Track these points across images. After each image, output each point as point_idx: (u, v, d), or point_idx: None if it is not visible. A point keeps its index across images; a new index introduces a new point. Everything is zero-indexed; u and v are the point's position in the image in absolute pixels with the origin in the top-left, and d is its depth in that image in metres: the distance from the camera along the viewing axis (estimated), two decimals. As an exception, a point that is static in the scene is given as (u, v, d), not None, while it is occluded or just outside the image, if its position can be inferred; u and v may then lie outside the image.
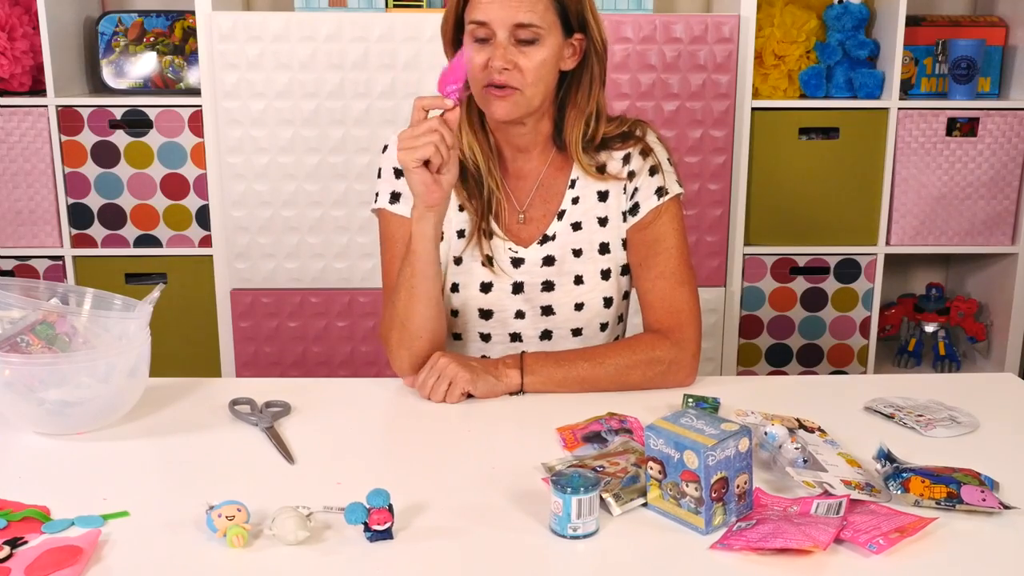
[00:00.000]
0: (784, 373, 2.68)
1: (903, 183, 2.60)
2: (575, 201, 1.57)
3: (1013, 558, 1.05)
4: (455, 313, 1.57)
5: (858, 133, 2.56)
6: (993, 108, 2.57)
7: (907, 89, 2.71)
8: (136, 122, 2.49)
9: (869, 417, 1.40)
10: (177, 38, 2.61)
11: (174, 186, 2.53)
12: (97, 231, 2.55)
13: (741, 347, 2.67)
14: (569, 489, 1.06)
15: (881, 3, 2.62)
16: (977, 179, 2.61)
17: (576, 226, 1.56)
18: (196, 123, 2.49)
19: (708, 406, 1.40)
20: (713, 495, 1.07)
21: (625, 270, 1.59)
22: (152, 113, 2.48)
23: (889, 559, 1.03)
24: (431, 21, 2.37)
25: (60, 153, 2.49)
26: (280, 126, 2.43)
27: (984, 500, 1.12)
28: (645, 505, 1.14)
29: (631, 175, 1.56)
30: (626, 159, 1.56)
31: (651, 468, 1.12)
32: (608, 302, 1.57)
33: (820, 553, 1.02)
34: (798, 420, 1.34)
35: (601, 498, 1.10)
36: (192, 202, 2.54)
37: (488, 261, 1.54)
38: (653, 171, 1.56)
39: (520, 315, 1.56)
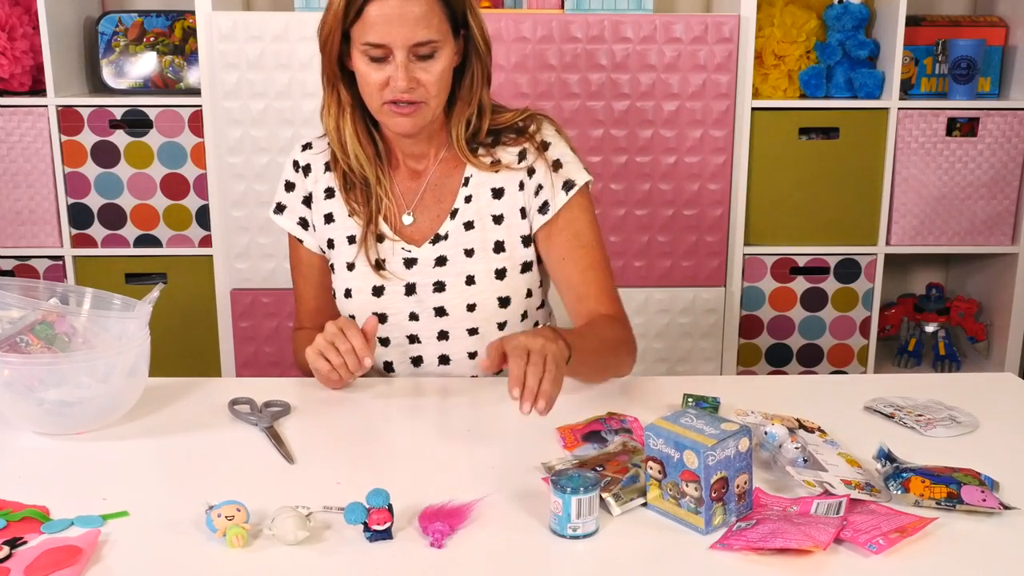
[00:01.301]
0: (784, 373, 2.68)
1: (903, 183, 2.60)
2: (468, 200, 1.54)
3: (1013, 558, 1.05)
4: (352, 318, 1.56)
5: (858, 133, 2.55)
6: (993, 108, 2.57)
7: (907, 89, 2.71)
8: (136, 122, 2.49)
9: (869, 417, 1.40)
10: (177, 38, 2.61)
11: (174, 186, 2.53)
12: (97, 231, 2.55)
13: (741, 347, 2.67)
14: (569, 489, 1.06)
15: (881, 3, 2.62)
16: (977, 179, 2.61)
17: (469, 225, 1.53)
18: (196, 123, 2.49)
19: (708, 406, 1.40)
20: (713, 495, 1.07)
21: (527, 267, 1.55)
22: (152, 113, 2.48)
23: (889, 559, 1.03)
24: (431, 21, 2.37)
25: (60, 153, 2.49)
26: (280, 126, 2.43)
27: (984, 500, 1.12)
28: (645, 505, 1.14)
29: (531, 172, 1.53)
30: (522, 155, 1.53)
31: (651, 468, 1.12)
32: (504, 302, 1.53)
33: (820, 553, 1.02)
34: (798, 420, 1.34)
35: (601, 498, 1.10)
36: (192, 202, 2.54)
37: (378, 265, 1.53)
38: (556, 166, 1.53)
39: (414, 317, 1.55)
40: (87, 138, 2.49)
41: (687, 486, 1.08)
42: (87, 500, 1.15)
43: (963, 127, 2.58)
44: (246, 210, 2.47)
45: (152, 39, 2.61)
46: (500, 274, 1.53)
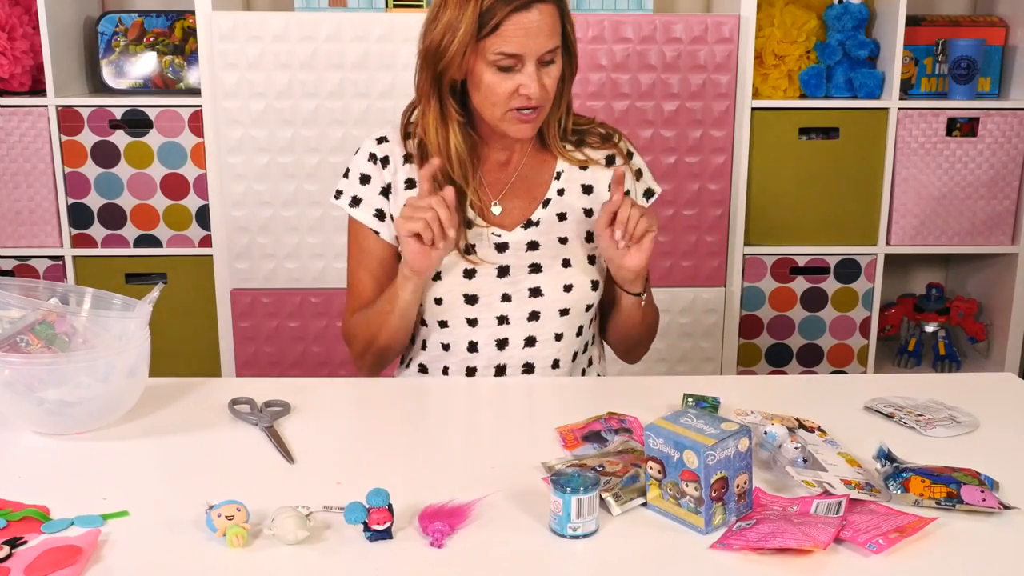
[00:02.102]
0: (784, 373, 2.68)
1: (903, 183, 2.60)
2: (561, 192, 1.62)
3: (1013, 558, 1.05)
4: (439, 301, 1.58)
5: (858, 133, 2.56)
6: (993, 108, 2.57)
7: (907, 89, 2.71)
8: (136, 122, 2.49)
9: (869, 417, 1.40)
10: (177, 38, 2.61)
11: (174, 186, 2.53)
12: (97, 231, 2.55)
13: (741, 347, 2.67)
14: (569, 489, 1.06)
15: (881, 3, 2.62)
16: (977, 179, 2.61)
17: (562, 216, 1.61)
18: (196, 123, 2.49)
19: (708, 406, 1.40)
20: (713, 495, 1.07)
21: None
22: (152, 113, 2.49)
23: (889, 559, 1.03)
24: (431, 21, 2.37)
25: (60, 153, 2.49)
26: (280, 126, 2.43)
27: (984, 500, 1.12)
28: (645, 505, 1.14)
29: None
30: (610, 160, 1.65)
31: (651, 468, 1.12)
32: (595, 285, 1.61)
33: (820, 553, 1.02)
34: (798, 420, 1.34)
35: (601, 498, 1.10)
36: (192, 202, 2.54)
37: (468, 250, 1.57)
38: (639, 175, 1.67)
39: (507, 298, 1.58)
40: (87, 138, 2.49)
41: (687, 486, 1.08)
42: (87, 500, 1.15)
43: (963, 127, 2.58)
44: (246, 210, 2.47)
45: (152, 39, 2.61)
46: (591, 260, 1.62)
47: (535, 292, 1.58)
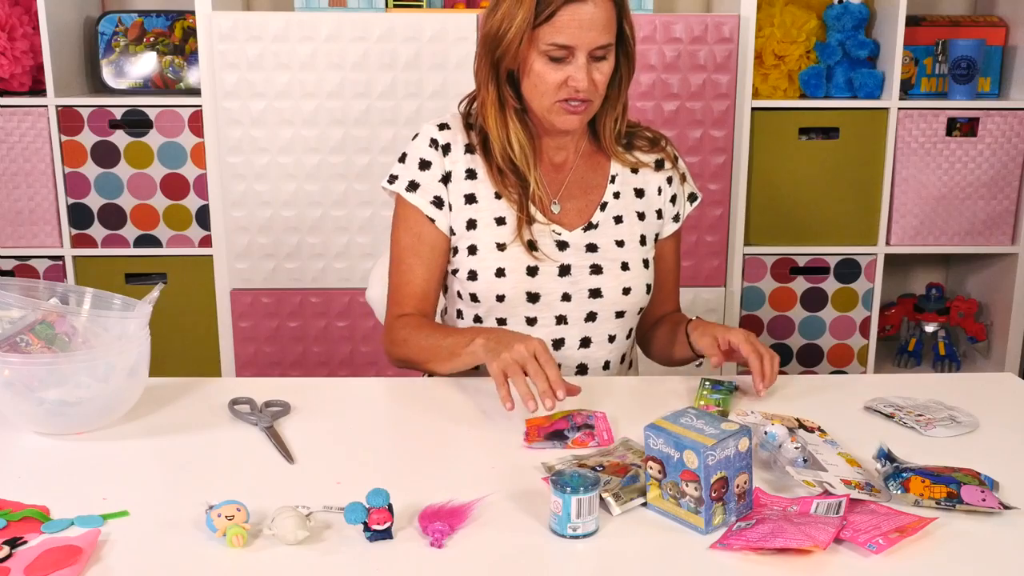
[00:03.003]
0: (784, 373, 2.67)
1: (903, 183, 2.60)
2: (616, 196, 1.63)
3: (1013, 558, 1.05)
4: (501, 298, 1.57)
5: (858, 133, 2.56)
6: (993, 108, 2.57)
7: (907, 89, 2.71)
8: (136, 122, 2.49)
9: (869, 417, 1.40)
10: (177, 38, 2.61)
11: (174, 186, 2.53)
12: (97, 231, 2.55)
13: (741, 347, 2.66)
14: (569, 489, 1.06)
15: (881, 3, 2.62)
16: (977, 179, 2.61)
17: (618, 219, 1.62)
18: (196, 123, 2.49)
19: (724, 388, 1.44)
20: (713, 495, 1.07)
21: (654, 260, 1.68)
22: (152, 113, 2.49)
23: (889, 559, 1.03)
24: (431, 21, 2.37)
25: (60, 153, 2.49)
26: (280, 126, 2.43)
27: (984, 500, 1.12)
28: (645, 505, 1.14)
29: (669, 180, 1.67)
30: (659, 164, 1.66)
31: (651, 468, 1.12)
32: (648, 288, 1.64)
33: (820, 553, 1.02)
34: (798, 420, 1.34)
35: (601, 498, 1.10)
36: (192, 202, 2.54)
37: (531, 246, 1.56)
38: (683, 179, 1.69)
39: (567, 298, 1.59)
40: (87, 138, 2.49)
41: (687, 486, 1.08)
42: (87, 500, 1.15)
43: (963, 127, 2.58)
44: (246, 210, 2.47)
45: (152, 39, 2.61)
46: (646, 263, 1.64)
47: (595, 293, 1.59)
